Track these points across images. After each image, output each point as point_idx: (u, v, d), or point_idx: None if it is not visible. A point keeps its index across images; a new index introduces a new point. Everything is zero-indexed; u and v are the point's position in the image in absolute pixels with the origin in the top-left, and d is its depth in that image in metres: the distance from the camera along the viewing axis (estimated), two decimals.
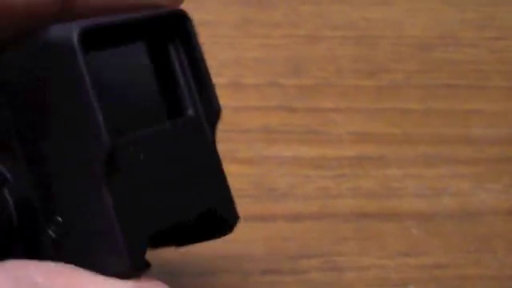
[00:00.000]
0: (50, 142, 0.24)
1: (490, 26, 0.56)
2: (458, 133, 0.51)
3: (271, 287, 0.44)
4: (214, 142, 0.28)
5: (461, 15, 0.56)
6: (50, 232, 0.24)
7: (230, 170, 0.49)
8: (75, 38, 0.23)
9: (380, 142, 0.50)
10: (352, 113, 0.51)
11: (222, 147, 0.49)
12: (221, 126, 0.51)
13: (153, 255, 0.27)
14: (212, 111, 0.28)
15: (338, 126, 0.50)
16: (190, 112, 0.28)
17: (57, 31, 0.24)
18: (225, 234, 0.28)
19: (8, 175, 0.25)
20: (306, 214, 0.47)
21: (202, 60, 0.28)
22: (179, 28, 0.28)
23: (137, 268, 0.24)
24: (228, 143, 0.48)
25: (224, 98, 0.51)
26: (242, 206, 0.47)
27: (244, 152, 0.48)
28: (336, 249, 0.46)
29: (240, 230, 0.46)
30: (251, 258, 0.45)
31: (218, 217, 0.28)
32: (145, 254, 0.25)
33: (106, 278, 0.23)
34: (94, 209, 0.24)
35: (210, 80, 0.28)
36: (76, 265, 0.23)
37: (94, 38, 0.24)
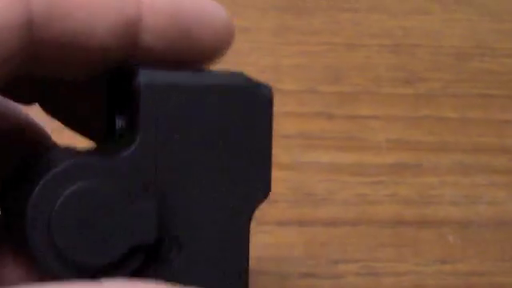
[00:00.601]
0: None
1: None
2: (493, 142, 0.52)
3: None
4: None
5: (498, 26, 0.57)
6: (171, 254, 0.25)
7: None
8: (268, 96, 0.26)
9: (417, 149, 0.51)
10: (390, 120, 0.51)
11: None
12: None
13: None
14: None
15: (376, 133, 0.51)
16: None
17: (244, 83, 0.26)
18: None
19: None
20: (344, 220, 0.47)
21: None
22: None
23: None
24: None
25: None
26: (281, 211, 0.48)
27: (283, 157, 0.49)
28: (373, 254, 0.46)
29: (279, 233, 0.47)
30: (290, 261, 0.46)
31: None
32: None
33: None
34: (227, 246, 0.25)
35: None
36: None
37: None
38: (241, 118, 0.26)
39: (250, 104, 0.26)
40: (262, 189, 0.27)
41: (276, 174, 0.47)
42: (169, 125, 0.24)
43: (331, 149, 0.50)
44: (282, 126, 0.50)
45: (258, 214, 0.47)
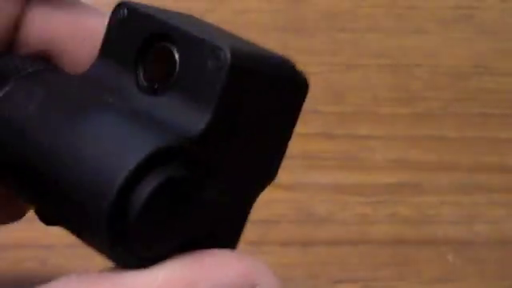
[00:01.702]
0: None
1: None
2: (493, 161, 0.52)
3: None
4: None
5: (496, 45, 0.57)
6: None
7: (272, 195, 0.50)
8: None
9: (416, 169, 0.51)
10: (389, 140, 0.52)
11: None
12: None
13: None
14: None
15: (376, 152, 0.51)
16: None
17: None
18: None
19: None
20: (344, 240, 0.48)
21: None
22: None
23: None
24: None
25: None
26: (282, 231, 0.48)
27: (284, 178, 0.49)
28: (373, 274, 0.47)
29: (281, 253, 0.47)
30: (291, 281, 0.46)
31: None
32: None
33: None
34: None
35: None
36: None
37: None
38: (284, 105, 0.27)
39: (295, 91, 0.28)
40: (271, 175, 0.28)
41: (278, 195, 0.48)
42: (236, 106, 0.24)
43: (332, 169, 0.50)
44: None
45: (260, 234, 0.48)
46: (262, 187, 0.27)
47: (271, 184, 0.49)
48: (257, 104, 0.25)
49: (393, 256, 0.48)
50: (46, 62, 0.28)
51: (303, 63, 0.54)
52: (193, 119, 0.23)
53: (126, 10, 0.26)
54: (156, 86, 0.25)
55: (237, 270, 0.23)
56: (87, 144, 0.23)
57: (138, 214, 0.22)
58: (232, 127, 0.24)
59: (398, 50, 0.56)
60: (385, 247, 0.48)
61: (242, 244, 0.47)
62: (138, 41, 0.25)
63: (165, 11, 0.26)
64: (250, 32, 0.55)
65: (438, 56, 0.56)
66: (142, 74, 0.25)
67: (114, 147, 0.22)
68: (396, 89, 0.54)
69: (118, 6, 0.26)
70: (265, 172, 0.27)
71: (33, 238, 0.44)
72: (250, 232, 0.48)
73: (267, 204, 0.47)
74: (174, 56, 0.25)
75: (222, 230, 0.26)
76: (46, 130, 0.24)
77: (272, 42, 0.55)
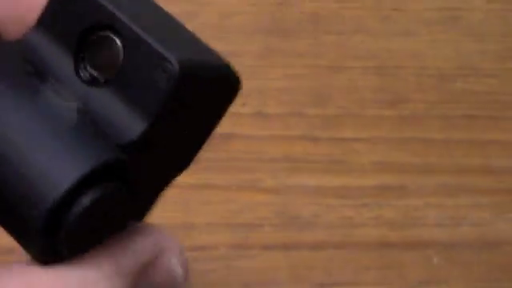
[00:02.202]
0: None
1: (510, 57, 0.57)
2: (478, 163, 0.52)
3: None
4: None
5: (481, 46, 0.57)
6: None
7: (254, 198, 0.50)
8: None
9: (401, 171, 0.51)
10: (374, 142, 0.52)
11: (245, 176, 0.50)
12: (244, 155, 0.52)
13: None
14: None
15: (360, 155, 0.51)
16: None
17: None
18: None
19: None
20: (329, 243, 0.48)
21: None
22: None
23: None
24: (252, 172, 0.49)
25: (248, 128, 0.53)
26: (266, 235, 0.48)
27: (268, 181, 0.49)
28: (358, 277, 0.47)
29: (264, 258, 0.47)
30: (275, 285, 0.46)
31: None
32: None
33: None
34: None
35: None
36: None
37: None
38: (216, 103, 0.27)
39: (228, 91, 0.27)
40: (188, 165, 0.27)
41: (261, 198, 0.48)
42: (174, 113, 0.24)
43: (316, 172, 0.50)
44: (267, 149, 0.50)
45: (242, 238, 0.48)
46: (177, 175, 0.27)
47: (254, 187, 0.49)
48: (192, 106, 0.25)
49: (378, 259, 0.48)
50: None
51: (287, 65, 0.54)
52: (129, 123, 0.24)
53: None
54: (94, 75, 0.25)
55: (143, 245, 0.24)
56: (23, 142, 0.23)
57: (69, 230, 0.22)
58: (167, 131, 0.25)
59: (383, 52, 0.56)
60: (369, 250, 0.48)
61: (224, 248, 0.47)
62: (81, 24, 0.25)
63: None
64: (235, 35, 0.55)
65: (423, 58, 0.56)
66: (81, 59, 0.25)
67: (51, 156, 0.23)
68: (381, 91, 0.54)
69: None
70: (185, 163, 0.27)
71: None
72: (232, 235, 0.48)
73: (250, 207, 0.47)
74: (117, 49, 0.24)
75: (134, 214, 0.26)
76: None
77: (256, 44, 0.55)
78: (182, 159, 0.27)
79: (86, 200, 0.22)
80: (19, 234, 0.23)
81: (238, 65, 0.54)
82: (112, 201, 0.23)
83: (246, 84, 0.53)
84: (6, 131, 0.23)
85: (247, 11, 0.56)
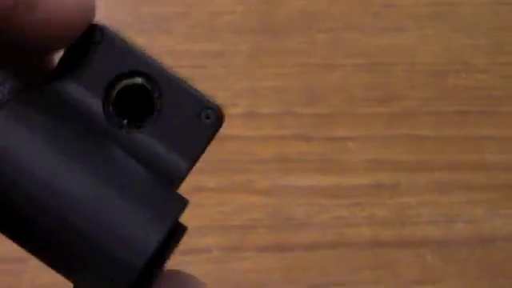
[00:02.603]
0: None
1: (501, 52, 0.57)
2: (471, 159, 0.52)
3: None
4: None
5: (472, 41, 0.57)
6: None
7: (247, 200, 0.50)
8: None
9: (394, 169, 0.51)
10: (366, 140, 0.52)
11: (238, 177, 0.50)
12: (237, 157, 0.52)
13: None
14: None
15: (353, 154, 0.51)
16: None
17: None
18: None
19: None
20: (322, 243, 0.48)
21: None
22: None
23: None
24: (244, 173, 0.49)
25: (240, 128, 0.53)
26: (259, 236, 0.48)
27: (260, 182, 0.49)
28: (353, 277, 0.47)
29: (258, 259, 0.47)
30: (269, 286, 0.46)
31: None
32: None
33: None
34: None
35: None
36: None
37: None
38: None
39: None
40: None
41: (254, 200, 0.48)
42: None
43: (309, 172, 0.50)
44: (259, 149, 0.50)
45: (236, 240, 0.48)
46: None
47: (247, 188, 0.49)
48: None
49: (372, 258, 0.47)
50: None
51: (278, 65, 0.54)
52: (171, 164, 0.25)
53: (101, 36, 0.25)
54: (125, 122, 0.25)
55: None
56: (102, 202, 0.23)
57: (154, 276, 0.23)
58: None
59: (374, 49, 0.56)
60: (363, 250, 0.48)
61: (218, 250, 0.47)
62: (111, 71, 0.25)
63: (139, 48, 0.26)
64: (225, 34, 0.55)
65: (414, 54, 0.56)
66: (109, 106, 0.25)
67: (137, 212, 0.23)
68: (373, 88, 0.54)
69: (94, 28, 0.25)
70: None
71: (6, 251, 0.43)
72: (226, 238, 0.48)
73: (243, 209, 0.47)
74: (152, 97, 0.25)
75: None
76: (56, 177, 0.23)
77: (247, 43, 0.55)
78: None
79: (172, 246, 0.23)
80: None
81: (229, 64, 0.54)
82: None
83: (237, 84, 0.53)
84: (83, 192, 0.23)
85: (237, 11, 0.56)
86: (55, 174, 0.23)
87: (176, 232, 0.24)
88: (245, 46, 0.55)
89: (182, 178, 0.25)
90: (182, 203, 0.24)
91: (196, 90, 0.25)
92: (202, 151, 0.25)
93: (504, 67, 0.56)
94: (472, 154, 0.52)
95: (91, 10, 0.25)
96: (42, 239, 0.23)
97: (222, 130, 0.26)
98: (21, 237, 0.23)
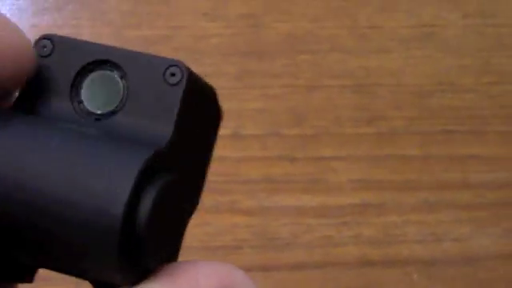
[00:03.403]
0: None
1: (487, 72, 0.57)
2: (457, 178, 0.52)
3: None
4: None
5: (458, 61, 0.57)
6: None
7: (233, 220, 0.50)
8: None
9: (380, 188, 0.51)
10: (352, 161, 0.52)
11: (223, 198, 0.50)
12: (222, 177, 0.52)
13: None
14: None
15: (339, 174, 0.51)
16: None
17: None
18: None
19: None
20: (309, 263, 0.47)
21: None
22: None
23: None
24: (230, 194, 0.49)
25: (225, 149, 0.53)
26: (245, 257, 0.48)
27: (246, 202, 0.49)
28: None
29: None
30: None
31: None
32: None
33: None
34: None
35: None
36: None
37: None
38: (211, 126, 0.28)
39: (216, 108, 0.28)
40: None
41: (240, 220, 0.48)
42: (188, 116, 0.25)
43: (295, 192, 0.50)
44: (245, 170, 0.50)
45: (220, 260, 0.47)
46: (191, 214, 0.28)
47: (232, 209, 0.49)
48: (195, 120, 0.26)
49: (358, 278, 0.47)
50: None
51: (264, 86, 0.54)
52: (155, 132, 0.24)
53: (49, 43, 0.25)
54: (99, 112, 0.25)
55: (211, 280, 0.24)
56: (76, 173, 0.22)
57: (146, 225, 0.22)
58: (186, 136, 0.25)
59: (360, 70, 0.56)
60: (350, 269, 0.47)
61: None
62: (69, 71, 0.25)
63: (85, 41, 0.26)
64: (211, 57, 0.55)
65: (400, 75, 0.56)
66: (79, 104, 0.25)
67: (105, 170, 0.22)
68: (358, 109, 0.54)
69: (39, 41, 0.25)
70: (195, 198, 0.28)
71: None
72: (210, 258, 0.47)
73: (228, 229, 0.47)
74: (116, 81, 0.25)
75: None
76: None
77: (233, 66, 0.55)
78: (192, 192, 0.27)
79: (152, 192, 0.22)
80: (97, 265, 0.23)
81: (215, 86, 0.54)
82: (174, 190, 0.23)
83: (223, 105, 0.53)
84: (46, 159, 0.23)
85: (222, 33, 0.56)
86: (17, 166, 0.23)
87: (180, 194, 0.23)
88: (230, 69, 0.55)
89: (170, 143, 0.24)
90: (152, 149, 0.23)
91: (154, 55, 0.25)
92: (181, 109, 0.24)
93: (490, 87, 0.57)
94: (458, 172, 0.52)
95: (28, 62, 0.25)
96: (34, 240, 0.23)
97: None
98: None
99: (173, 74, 0.24)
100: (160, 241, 0.23)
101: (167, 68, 0.24)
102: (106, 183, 0.22)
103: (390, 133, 0.53)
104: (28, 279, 0.26)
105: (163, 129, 0.24)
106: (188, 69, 0.25)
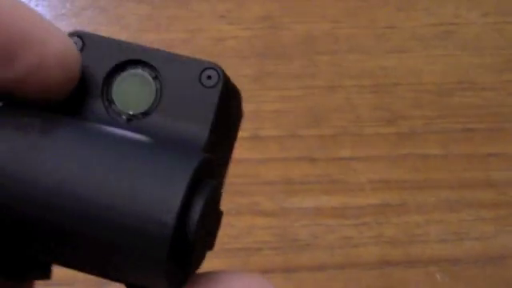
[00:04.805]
0: None
1: (507, 69, 0.56)
2: (478, 176, 0.52)
3: None
4: None
5: (478, 60, 0.57)
6: None
7: (253, 222, 0.50)
8: None
9: (401, 188, 0.50)
10: (372, 161, 0.51)
11: (243, 200, 0.50)
12: (242, 179, 0.52)
13: None
14: None
15: (359, 174, 0.51)
16: None
17: None
18: None
19: None
20: (329, 264, 0.47)
21: None
22: None
23: None
24: (250, 196, 0.49)
25: (244, 152, 0.53)
26: (265, 258, 0.47)
27: (266, 204, 0.49)
28: None
29: None
30: None
31: None
32: None
33: None
34: None
35: None
36: None
37: None
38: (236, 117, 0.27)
39: (239, 108, 0.27)
40: None
41: (260, 222, 0.48)
42: (222, 115, 0.25)
43: (314, 193, 0.50)
44: (264, 172, 0.50)
45: (241, 262, 0.47)
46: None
47: (252, 211, 0.49)
48: (226, 120, 0.26)
49: (380, 278, 0.47)
50: None
51: (282, 88, 0.54)
52: (190, 135, 0.24)
53: (79, 40, 0.25)
54: (131, 112, 0.25)
55: None
56: (121, 180, 0.22)
57: (196, 233, 0.22)
58: (216, 138, 0.25)
59: (379, 70, 0.56)
60: (371, 270, 0.47)
61: None
62: (100, 70, 0.25)
63: (119, 40, 0.26)
64: (229, 59, 0.55)
65: (419, 74, 0.56)
66: (110, 103, 0.25)
67: (154, 177, 0.22)
68: (378, 109, 0.54)
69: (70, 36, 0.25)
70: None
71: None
72: (231, 260, 0.47)
73: (249, 231, 0.47)
74: (149, 81, 0.25)
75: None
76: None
77: (251, 67, 0.55)
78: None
79: (201, 200, 0.22)
80: (141, 271, 0.22)
81: None
82: (216, 195, 0.23)
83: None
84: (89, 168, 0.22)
85: (240, 35, 0.56)
86: (56, 170, 0.22)
87: (212, 213, 0.23)
88: (249, 71, 0.55)
89: (204, 144, 0.24)
90: (201, 156, 0.22)
91: (188, 56, 0.25)
92: (217, 111, 0.24)
93: (510, 84, 0.56)
94: (480, 171, 0.52)
95: (75, 67, 0.24)
96: (74, 243, 0.22)
97: None
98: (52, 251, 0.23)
99: (209, 77, 0.24)
100: (203, 246, 0.23)
101: (203, 70, 0.24)
102: (157, 190, 0.22)
103: (410, 132, 0.53)
104: (45, 276, 0.26)
105: (198, 131, 0.24)
106: (224, 72, 0.25)
